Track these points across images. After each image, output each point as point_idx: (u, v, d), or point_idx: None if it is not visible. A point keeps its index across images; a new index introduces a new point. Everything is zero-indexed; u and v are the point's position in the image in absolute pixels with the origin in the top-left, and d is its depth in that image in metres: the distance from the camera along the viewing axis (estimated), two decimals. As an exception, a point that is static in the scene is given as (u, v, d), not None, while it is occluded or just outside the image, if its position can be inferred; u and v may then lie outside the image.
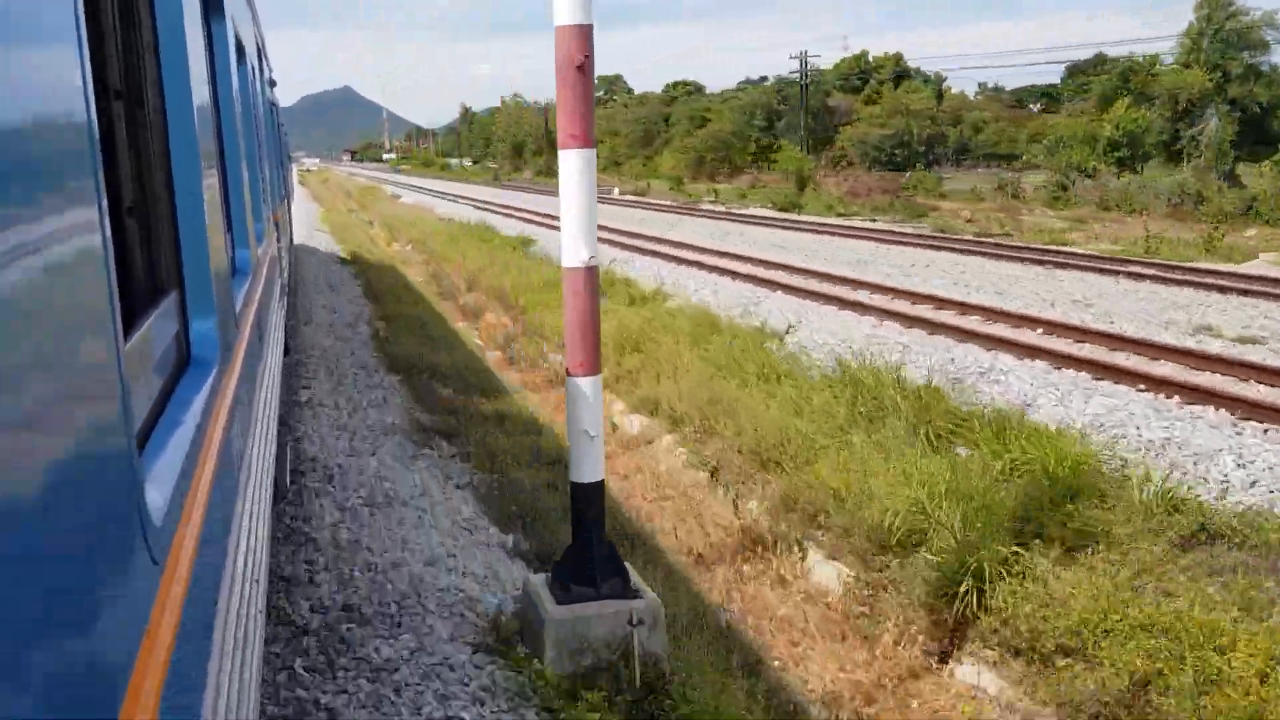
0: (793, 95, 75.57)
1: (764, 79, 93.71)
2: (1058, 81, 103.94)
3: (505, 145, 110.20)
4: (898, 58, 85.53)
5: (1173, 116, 57.23)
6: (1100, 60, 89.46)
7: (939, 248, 23.50)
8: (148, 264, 2.17)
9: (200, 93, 2.55)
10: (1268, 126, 56.05)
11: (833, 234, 27.42)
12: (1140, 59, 65.10)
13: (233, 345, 2.72)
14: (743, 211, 36.02)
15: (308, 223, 35.45)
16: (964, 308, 14.62)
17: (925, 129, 69.62)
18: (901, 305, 15.25)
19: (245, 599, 2.38)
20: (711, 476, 9.14)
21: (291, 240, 18.45)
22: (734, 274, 18.99)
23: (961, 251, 22.74)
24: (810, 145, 53.93)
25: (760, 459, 9.00)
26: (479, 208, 42.70)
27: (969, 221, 34.16)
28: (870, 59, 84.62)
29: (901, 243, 25.04)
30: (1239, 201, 34.90)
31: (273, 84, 13.49)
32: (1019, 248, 23.30)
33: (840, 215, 33.80)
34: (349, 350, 12.45)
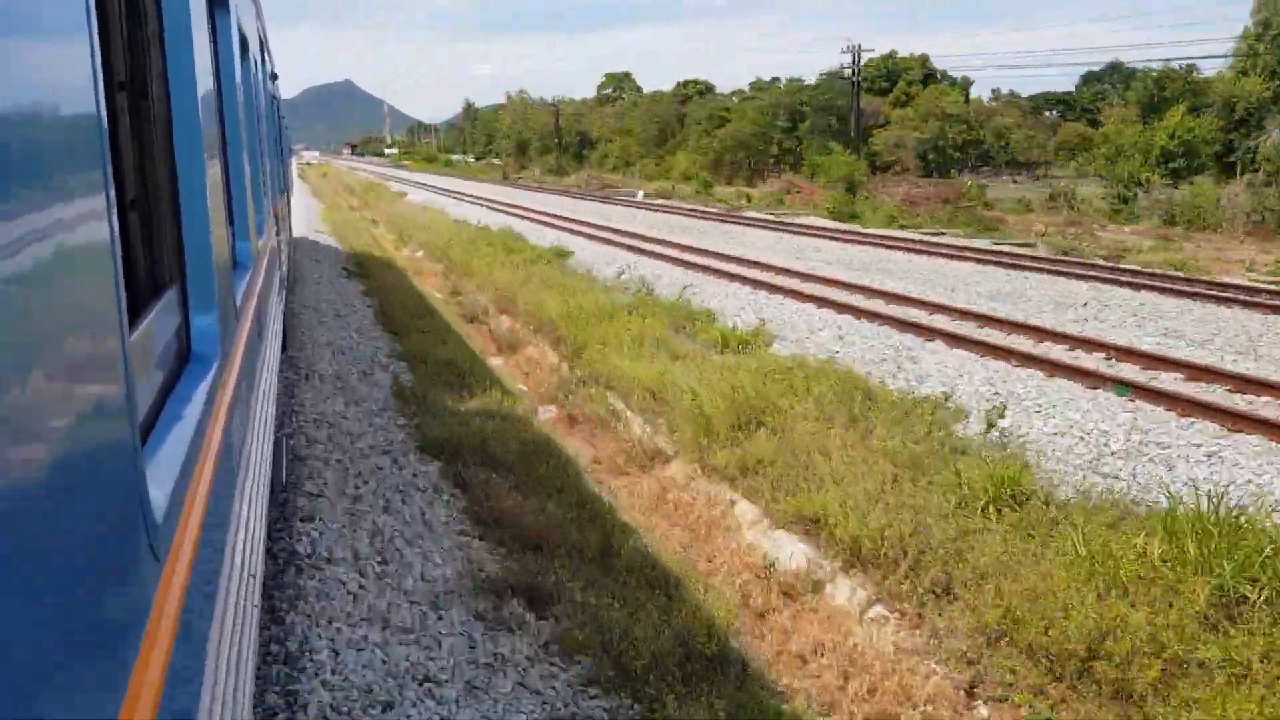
0: (810, 96, 71.95)
1: (775, 80, 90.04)
2: (1072, 89, 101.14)
3: (510, 142, 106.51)
4: (924, 59, 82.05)
5: (1227, 126, 53.89)
6: (1115, 68, 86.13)
7: (1083, 276, 18.08)
8: (150, 258, 2.13)
9: (204, 86, 2.48)
10: (1327, 139, 52.65)
11: (929, 253, 22.29)
12: (1178, 67, 61.90)
13: (233, 340, 2.65)
14: (797, 221, 32.03)
15: (308, 222, 31.86)
16: (1241, 383, 10.01)
17: (961, 134, 66.15)
18: (1131, 371, 10.73)
19: (242, 594, 2.29)
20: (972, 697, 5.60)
21: (291, 235, 16.69)
22: (856, 310, 14.41)
23: (1124, 284, 17.13)
24: (845, 148, 50.32)
25: (1053, 666, 5.47)
26: (493, 209, 38.94)
27: (1042, 236, 30.73)
28: (895, 59, 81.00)
29: (1030, 268, 19.41)
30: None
31: (274, 78, 12.90)
32: (1202, 282, 17.62)
33: (904, 227, 30.16)
34: (365, 420, 8.91)
